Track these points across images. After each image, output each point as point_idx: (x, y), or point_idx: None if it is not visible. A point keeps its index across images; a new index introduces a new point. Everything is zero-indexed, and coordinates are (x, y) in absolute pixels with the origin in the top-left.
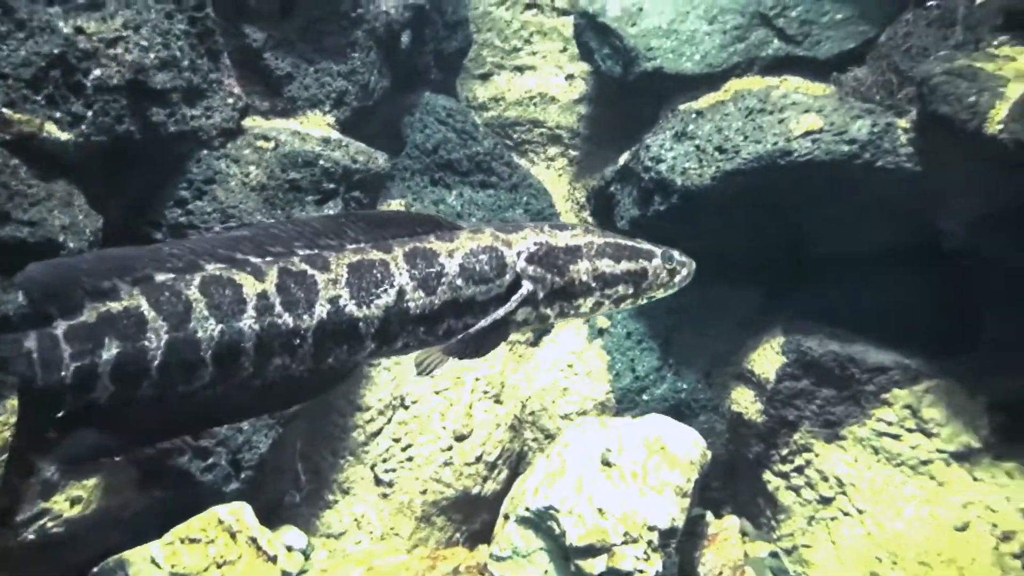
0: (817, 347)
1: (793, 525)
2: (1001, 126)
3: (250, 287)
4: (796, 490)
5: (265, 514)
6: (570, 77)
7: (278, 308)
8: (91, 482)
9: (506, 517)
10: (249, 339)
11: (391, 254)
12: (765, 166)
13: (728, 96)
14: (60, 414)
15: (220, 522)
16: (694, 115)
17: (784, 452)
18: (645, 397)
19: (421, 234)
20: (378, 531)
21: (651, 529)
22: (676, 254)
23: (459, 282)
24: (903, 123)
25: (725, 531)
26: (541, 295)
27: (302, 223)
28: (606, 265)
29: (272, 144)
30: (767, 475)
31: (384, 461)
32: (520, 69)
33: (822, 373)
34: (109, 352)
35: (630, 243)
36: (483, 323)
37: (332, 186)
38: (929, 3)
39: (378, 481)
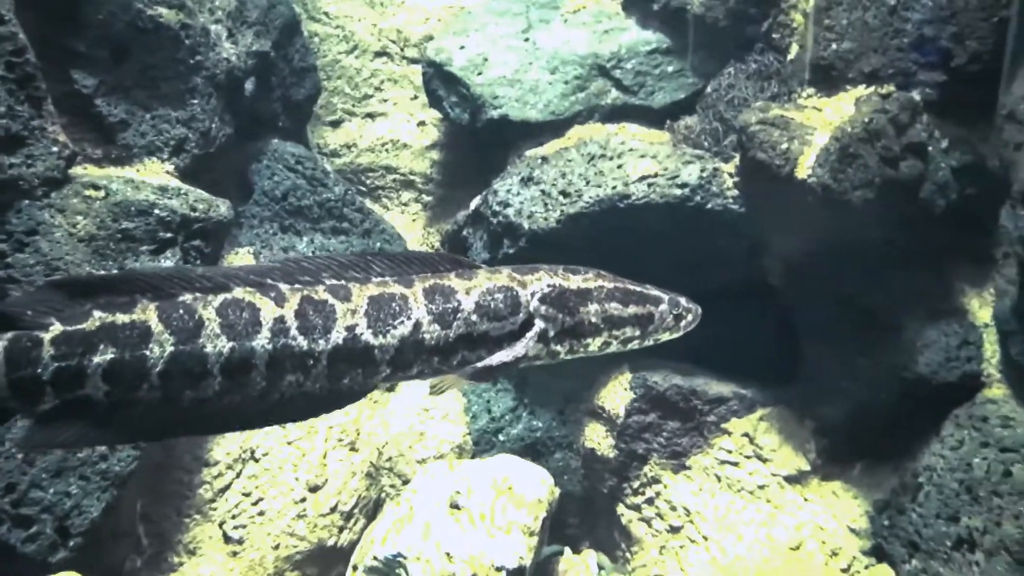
0: (662, 382)
1: (645, 556)
2: (810, 171)
3: (268, 311)
4: (647, 521)
5: None
6: (422, 124)
7: (293, 332)
8: None
9: (355, 568)
10: (261, 357)
11: (411, 289)
12: (606, 209)
13: (571, 142)
14: (46, 404)
15: None
16: (540, 161)
17: (635, 485)
18: (502, 437)
19: (443, 272)
20: None
21: (499, 570)
22: (683, 300)
23: (474, 318)
24: (728, 168)
25: (576, 567)
26: (552, 333)
27: (332, 257)
28: (614, 308)
29: (102, 193)
30: (620, 508)
31: (233, 517)
32: (371, 116)
33: (668, 406)
34: (102, 357)
35: (639, 288)
36: (498, 357)
37: (169, 235)
38: (748, 57)
39: (227, 539)
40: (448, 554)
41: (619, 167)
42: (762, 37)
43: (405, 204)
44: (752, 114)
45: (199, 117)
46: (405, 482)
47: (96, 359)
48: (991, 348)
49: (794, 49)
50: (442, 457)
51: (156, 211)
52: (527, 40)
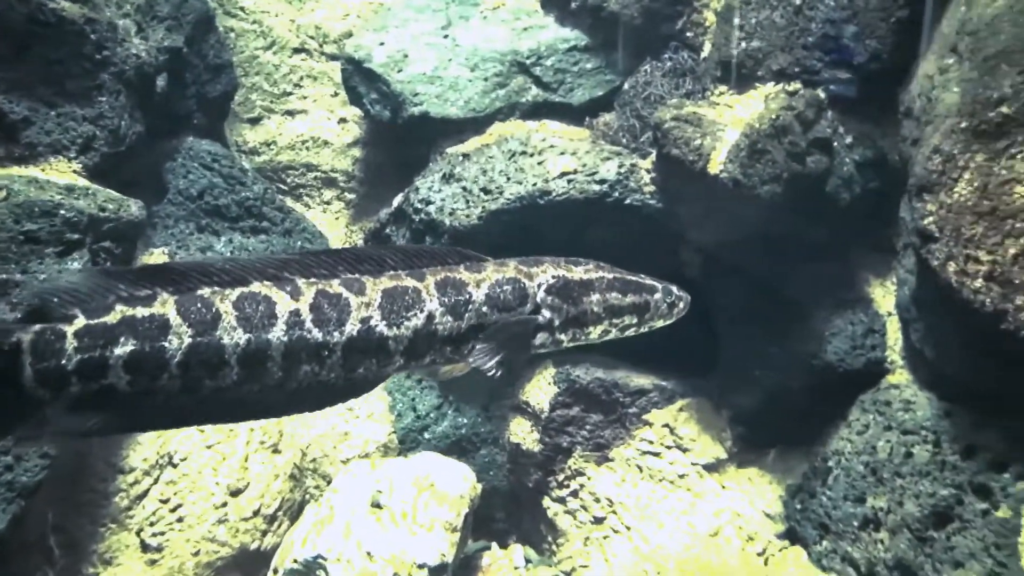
0: (585, 375)
1: (570, 547)
2: (721, 166)
3: (284, 304)
4: (572, 513)
5: None
6: (343, 121)
7: (308, 324)
8: None
9: (275, 571)
10: (276, 348)
11: (423, 282)
12: (527, 205)
13: (492, 139)
14: (72, 393)
15: None
16: (461, 158)
17: (560, 478)
18: (427, 435)
19: (452, 265)
20: None
21: (420, 567)
22: (674, 289)
23: (485, 309)
24: (646, 164)
25: (499, 561)
26: (557, 323)
27: (347, 251)
28: (614, 298)
29: (3, 193)
30: (546, 501)
31: (151, 524)
32: (291, 113)
33: (591, 400)
34: (123, 348)
35: (635, 279)
36: (503, 325)
37: (76, 237)
38: (664, 55)
39: (145, 547)
40: (369, 553)
41: (540, 164)
42: (677, 35)
43: (327, 202)
44: (667, 111)
45: (107, 115)
46: (330, 483)
47: (118, 351)
48: (894, 335)
49: (707, 47)
50: (367, 456)
51: (62, 212)
52: (447, 37)
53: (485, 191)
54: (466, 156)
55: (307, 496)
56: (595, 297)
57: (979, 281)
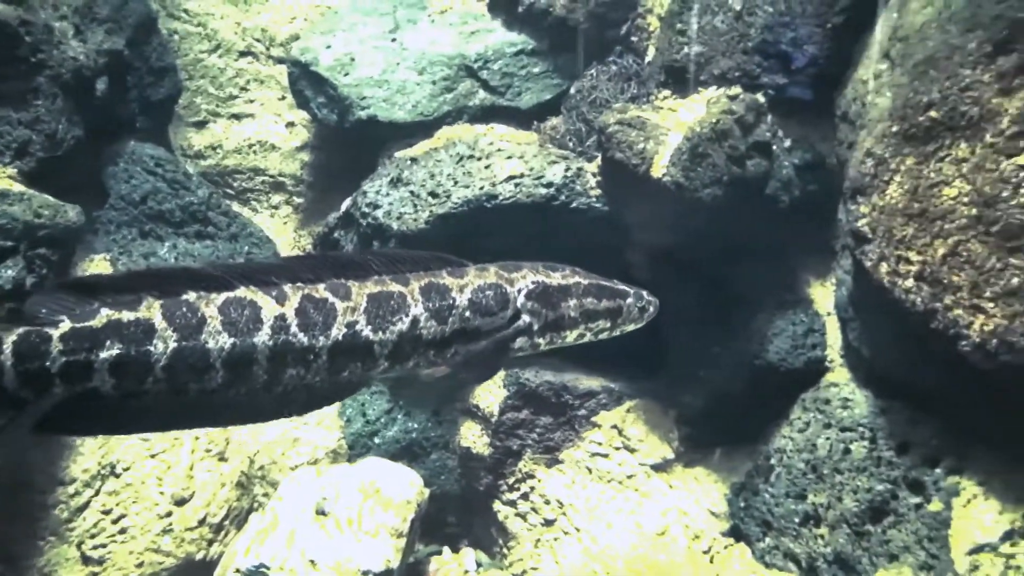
0: (534, 378)
1: (521, 550)
2: (664, 170)
3: (269, 309)
4: (523, 516)
5: None
6: (291, 125)
7: (294, 328)
8: None
9: None
10: (262, 352)
11: (408, 287)
12: (474, 209)
13: (441, 143)
14: (57, 395)
15: None
16: (409, 162)
17: (511, 481)
18: (377, 440)
19: (435, 270)
20: None
21: (364, 574)
22: (645, 294)
23: (468, 314)
24: (592, 168)
25: (447, 566)
26: (536, 327)
27: (332, 256)
28: (590, 303)
29: None
30: (497, 505)
31: (92, 537)
32: (237, 117)
33: (540, 402)
34: (109, 352)
35: (608, 284)
36: (483, 344)
37: (10, 243)
38: (609, 59)
39: (86, 560)
40: (312, 561)
41: (487, 167)
42: (622, 40)
43: (275, 207)
44: (611, 115)
45: (44, 118)
46: None
47: (103, 354)
48: (834, 335)
49: (651, 52)
50: (317, 463)
51: None
52: (394, 41)
53: (433, 195)
54: (414, 160)
55: (255, 504)
56: (572, 302)
57: (910, 281)
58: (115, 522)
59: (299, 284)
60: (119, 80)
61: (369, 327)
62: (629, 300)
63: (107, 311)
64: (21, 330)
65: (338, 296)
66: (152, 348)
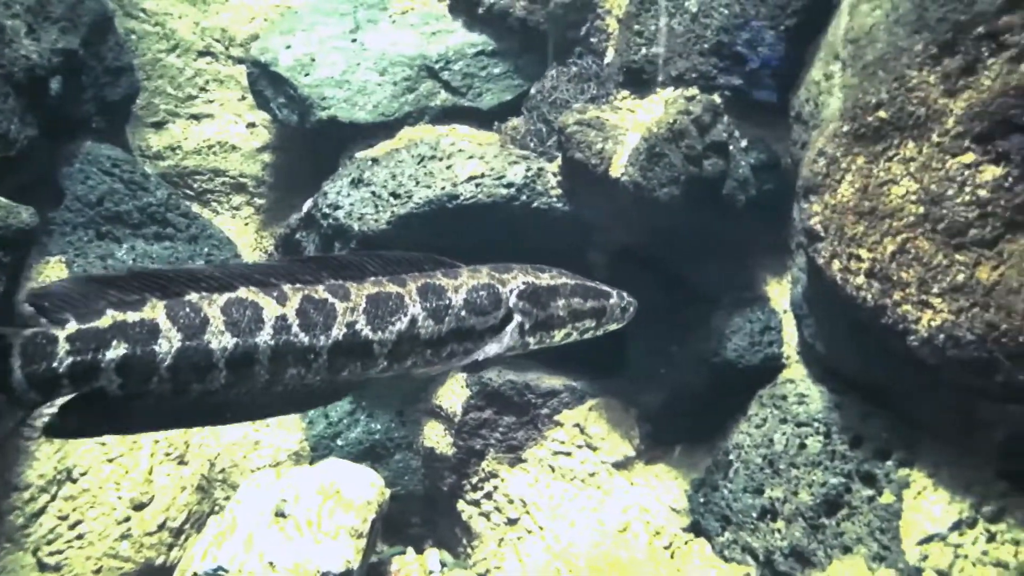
0: (496, 378)
1: (485, 549)
2: (622, 169)
3: (271, 310)
4: (487, 515)
5: None
6: (251, 125)
7: (295, 328)
8: None
9: None
10: (264, 352)
11: (405, 288)
12: (435, 209)
13: (402, 144)
14: (65, 396)
15: None
16: (370, 162)
17: (474, 480)
18: (340, 442)
19: (429, 271)
20: None
21: (324, 575)
22: (625, 295)
23: (463, 313)
24: (552, 168)
25: (408, 567)
26: (527, 327)
27: (331, 259)
28: (577, 303)
29: None
30: (461, 504)
31: (49, 543)
32: (197, 117)
33: (503, 402)
34: (115, 352)
35: (593, 285)
36: (485, 352)
37: None
38: (569, 60)
39: (42, 566)
40: (271, 563)
41: (448, 168)
42: (581, 41)
43: (236, 208)
44: (570, 115)
45: None
46: None
47: (109, 354)
48: (790, 332)
49: (610, 53)
50: (279, 465)
51: None
52: (355, 41)
53: (394, 195)
54: (375, 160)
55: (216, 508)
56: (561, 302)
57: (861, 278)
58: (72, 528)
59: (298, 285)
60: (74, 80)
61: (368, 327)
62: (612, 300)
63: (112, 311)
64: (28, 332)
65: (337, 297)
66: (157, 348)
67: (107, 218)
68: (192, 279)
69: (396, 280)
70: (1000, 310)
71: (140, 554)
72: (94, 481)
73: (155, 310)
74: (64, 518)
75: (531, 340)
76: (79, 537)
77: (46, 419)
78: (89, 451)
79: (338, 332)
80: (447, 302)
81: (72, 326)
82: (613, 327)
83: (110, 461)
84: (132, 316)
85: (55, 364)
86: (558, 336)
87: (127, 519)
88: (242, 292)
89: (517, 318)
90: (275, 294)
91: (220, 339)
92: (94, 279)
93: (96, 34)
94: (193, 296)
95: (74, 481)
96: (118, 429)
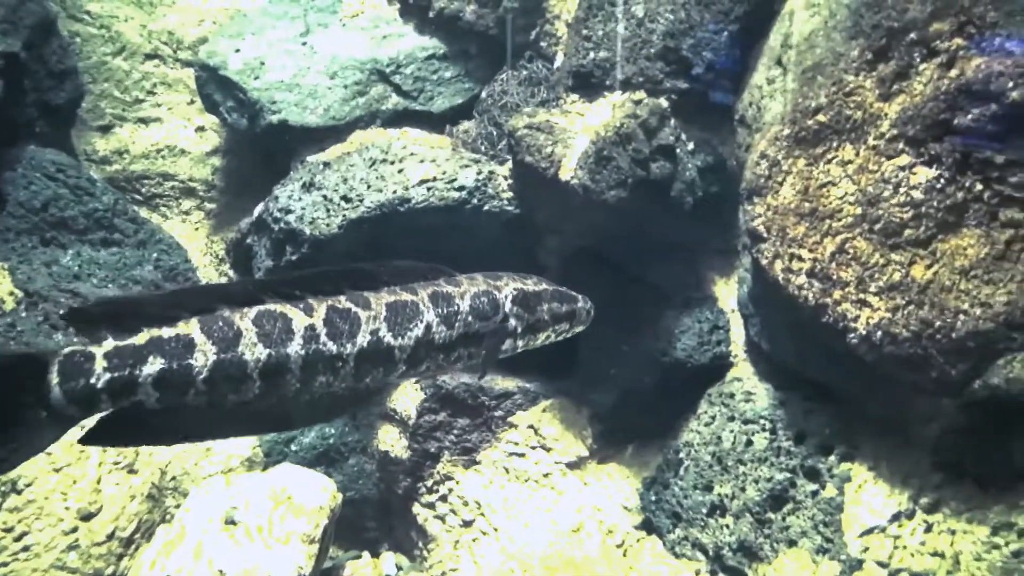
0: (451, 380)
1: (441, 551)
2: (571, 173)
3: (299, 320)
4: (442, 518)
5: None
6: (200, 129)
7: (323, 337)
8: None
9: None
10: (295, 362)
11: (418, 296)
12: (387, 213)
13: (353, 147)
14: (103, 411)
15: None
16: (321, 166)
17: (429, 483)
18: (294, 447)
19: (434, 280)
20: None
21: None
22: (587, 299)
23: (470, 319)
24: (503, 171)
25: (361, 571)
26: (519, 330)
27: (347, 269)
28: (556, 307)
29: None
30: (416, 507)
31: None
32: (144, 121)
33: (457, 404)
34: (152, 367)
35: (564, 290)
36: (488, 355)
37: None
38: (519, 64)
39: None
40: (221, 571)
41: (400, 171)
42: (531, 45)
43: (186, 212)
44: (520, 119)
45: None
46: None
47: (147, 369)
48: (737, 331)
49: (560, 57)
50: (231, 472)
51: None
52: (305, 44)
53: (346, 199)
54: (327, 164)
55: (167, 516)
56: (545, 307)
57: (802, 278)
58: (18, 539)
59: (320, 296)
60: (15, 83)
61: (390, 333)
62: (580, 304)
63: (147, 328)
64: (66, 350)
65: (359, 306)
66: (193, 361)
67: (52, 224)
68: (223, 295)
69: (408, 289)
70: (933, 307)
71: (88, 565)
72: (39, 492)
73: (189, 325)
74: (9, 530)
75: (520, 343)
76: (25, 549)
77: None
78: (34, 462)
79: (363, 339)
80: (456, 308)
81: (109, 343)
82: (579, 329)
83: (56, 471)
84: (167, 332)
85: (93, 380)
86: (541, 338)
87: (75, 529)
88: (270, 304)
89: (512, 322)
90: (301, 305)
91: (253, 351)
92: (129, 298)
93: (39, 37)
94: (225, 310)
95: (19, 492)
96: (154, 440)
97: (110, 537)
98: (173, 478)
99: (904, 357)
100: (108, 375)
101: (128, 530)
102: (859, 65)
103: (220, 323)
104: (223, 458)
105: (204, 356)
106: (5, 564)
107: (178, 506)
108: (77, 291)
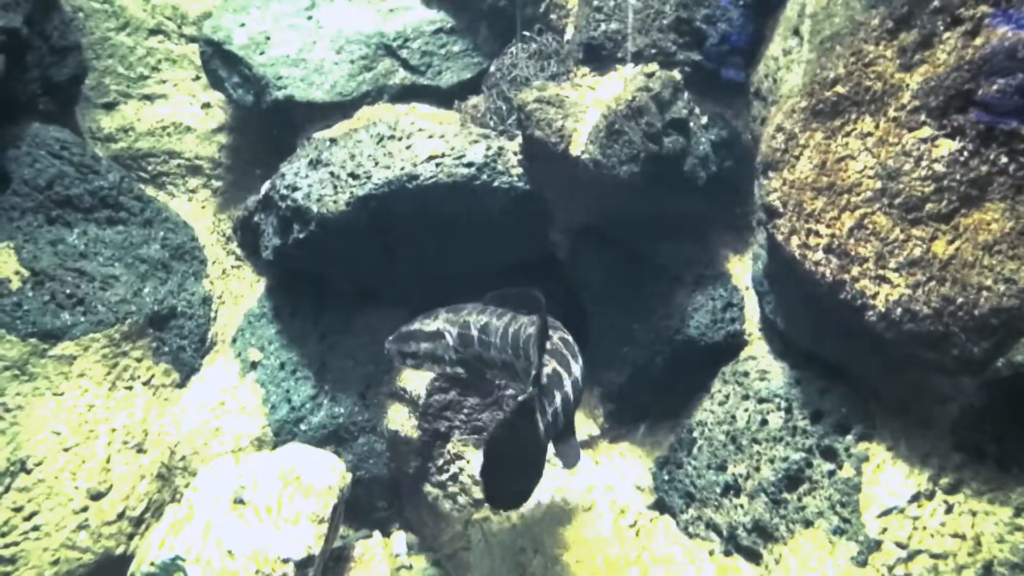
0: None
1: (452, 531)
2: (582, 147)
3: (564, 375)
4: (453, 497)
5: None
6: (207, 106)
7: (567, 386)
8: None
9: None
10: (566, 401)
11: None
12: (395, 190)
13: (360, 123)
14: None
15: None
16: (328, 143)
17: (440, 463)
18: (303, 427)
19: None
20: None
21: (285, 561)
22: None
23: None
24: (513, 146)
25: (372, 550)
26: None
27: (552, 326)
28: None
29: None
30: (427, 487)
31: (3, 535)
32: (149, 98)
33: (467, 383)
34: (557, 399)
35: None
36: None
37: None
38: (529, 37)
39: None
40: (230, 551)
41: (408, 148)
42: (541, 18)
43: (192, 191)
44: (529, 93)
45: None
46: None
47: (557, 400)
48: (751, 308)
49: (570, 29)
50: (241, 451)
51: None
52: (310, 19)
53: (353, 176)
54: (333, 141)
55: (177, 496)
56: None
57: (819, 254)
58: (27, 519)
59: (549, 357)
60: (17, 60)
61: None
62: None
63: (547, 369)
64: (545, 402)
65: (561, 364)
66: (569, 392)
67: (57, 202)
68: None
69: (554, 354)
70: (955, 284)
71: (99, 544)
72: (49, 471)
73: (561, 363)
74: (19, 509)
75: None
76: (35, 528)
77: None
78: (43, 441)
79: (567, 390)
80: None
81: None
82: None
83: (66, 451)
84: (559, 368)
85: (549, 416)
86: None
87: (85, 509)
88: (551, 365)
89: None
90: (557, 362)
91: (561, 391)
92: (536, 340)
93: (40, 12)
94: (550, 364)
95: (28, 472)
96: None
97: (120, 516)
98: (182, 458)
99: (924, 335)
100: (551, 409)
101: (138, 510)
102: (879, 34)
103: (556, 368)
104: (232, 437)
105: (561, 392)
106: (15, 543)
107: (187, 485)
108: (83, 270)
